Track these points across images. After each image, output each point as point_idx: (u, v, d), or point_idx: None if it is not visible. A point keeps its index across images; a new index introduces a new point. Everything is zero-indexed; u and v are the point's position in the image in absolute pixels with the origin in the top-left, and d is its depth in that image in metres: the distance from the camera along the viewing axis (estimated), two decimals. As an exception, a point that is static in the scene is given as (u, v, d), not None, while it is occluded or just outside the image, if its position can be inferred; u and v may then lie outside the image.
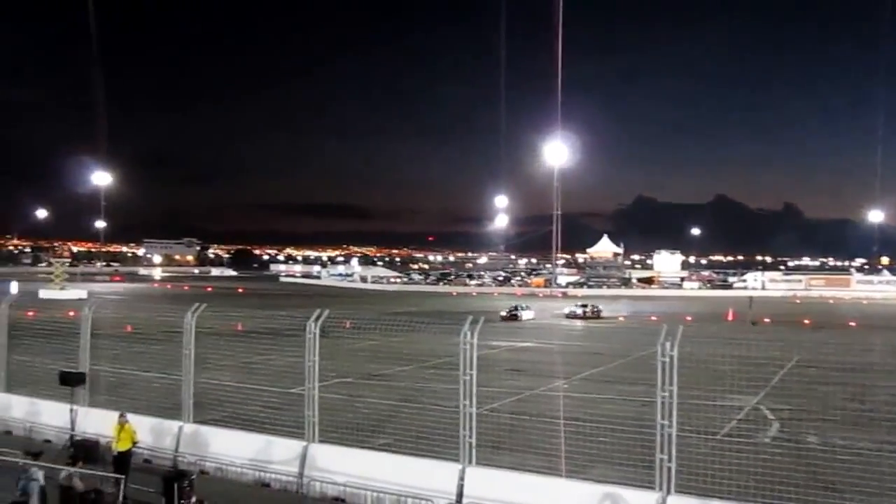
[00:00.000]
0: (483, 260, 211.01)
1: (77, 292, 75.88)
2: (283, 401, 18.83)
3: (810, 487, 13.18)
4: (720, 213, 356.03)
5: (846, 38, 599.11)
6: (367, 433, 17.50)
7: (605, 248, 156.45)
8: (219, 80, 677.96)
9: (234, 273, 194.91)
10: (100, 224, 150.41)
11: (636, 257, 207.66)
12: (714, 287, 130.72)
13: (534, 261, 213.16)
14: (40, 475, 12.96)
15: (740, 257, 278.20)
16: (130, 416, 15.77)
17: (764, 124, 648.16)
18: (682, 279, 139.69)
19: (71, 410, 17.74)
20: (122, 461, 15.01)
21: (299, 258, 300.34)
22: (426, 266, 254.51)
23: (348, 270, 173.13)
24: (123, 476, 13.72)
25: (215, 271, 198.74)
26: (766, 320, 58.21)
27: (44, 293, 76.65)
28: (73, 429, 17.63)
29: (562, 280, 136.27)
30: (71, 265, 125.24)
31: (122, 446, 15.24)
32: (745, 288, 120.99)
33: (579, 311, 66.37)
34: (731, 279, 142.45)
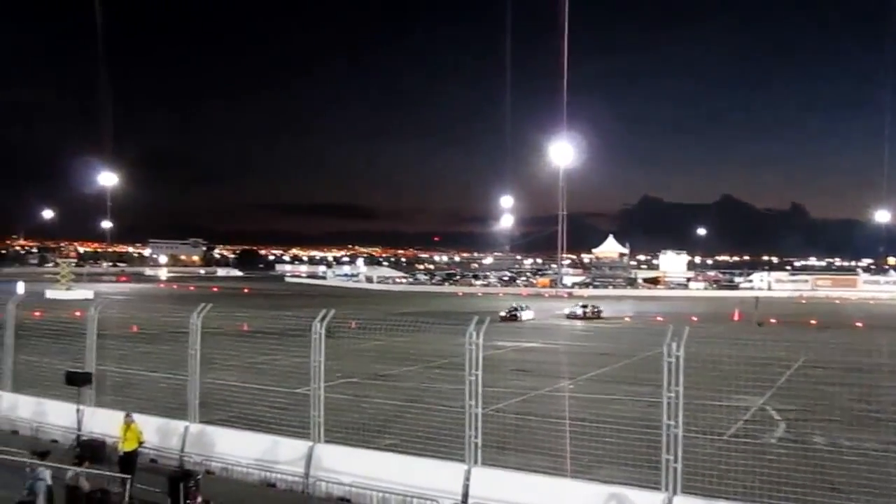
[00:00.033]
0: (488, 260, 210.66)
1: (83, 292, 76.05)
2: (289, 401, 18.85)
3: (817, 488, 13.13)
4: (726, 213, 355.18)
5: (854, 37, 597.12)
6: (372, 433, 17.52)
7: (610, 248, 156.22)
8: (225, 80, 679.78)
9: (239, 273, 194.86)
10: (106, 224, 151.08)
11: (642, 258, 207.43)
12: (720, 287, 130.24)
13: (539, 261, 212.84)
14: (48, 475, 13.00)
15: (746, 257, 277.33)
16: (136, 416, 15.81)
17: (770, 124, 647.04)
18: (688, 279, 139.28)
19: (77, 410, 17.81)
20: (129, 461, 15.03)
21: (305, 258, 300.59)
22: (432, 266, 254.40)
23: (354, 271, 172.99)
24: (129, 476, 13.76)
25: (221, 272, 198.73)
26: (773, 321, 58.04)
27: (50, 293, 76.92)
28: (79, 429, 17.70)
29: (567, 280, 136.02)
30: (77, 265, 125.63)
31: (129, 446, 15.26)
32: (751, 288, 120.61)
33: (579, 311, 66.31)
34: (737, 279, 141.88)
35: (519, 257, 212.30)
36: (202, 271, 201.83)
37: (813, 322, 58.29)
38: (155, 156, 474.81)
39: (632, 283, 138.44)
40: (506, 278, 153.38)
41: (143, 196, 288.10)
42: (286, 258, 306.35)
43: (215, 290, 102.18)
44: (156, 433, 17.11)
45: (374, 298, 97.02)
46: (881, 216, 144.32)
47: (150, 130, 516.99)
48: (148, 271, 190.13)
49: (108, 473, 14.08)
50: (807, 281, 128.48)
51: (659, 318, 59.84)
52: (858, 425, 19.99)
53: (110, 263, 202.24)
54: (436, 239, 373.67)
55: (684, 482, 12.58)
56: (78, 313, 25.14)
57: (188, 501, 13.13)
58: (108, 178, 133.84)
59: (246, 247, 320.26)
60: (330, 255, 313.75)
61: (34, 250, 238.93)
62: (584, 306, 67.75)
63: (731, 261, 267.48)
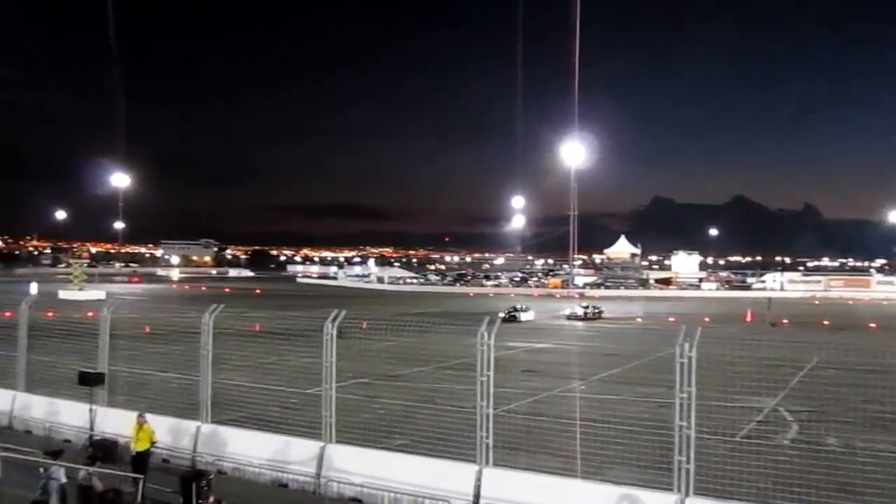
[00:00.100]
0: (500, 261, 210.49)
1: (95, 293, 76.38)
2: (300, 401, 18.90)
3: (830, 490, 13.06)
4: (738, 213, 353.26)
5: (869, 36, 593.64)
6: (383, 434, 17.51)
7: (622, 248, 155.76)
8: (236, 82, 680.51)
9: (251, 274, 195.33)
10: (118, 225, 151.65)
11: (654, 258, 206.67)
12: (732, 288, 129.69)
13: (550, 261, 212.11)
14: (62, 474, 13.06)
15: (759, 258, 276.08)
16: (149, 416, 15.89)
17: (782, 124, 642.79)
18: (700, 280, 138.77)
19: (90, 410, 17.91)
20: (141, 461, 15.10)
21: (316, 259, 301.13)
22: (443, 267, 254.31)
23: (365, 271, 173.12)
24: (142, 476, 13.82)
25: (233, 272, 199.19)
26: (785, 321, 57.80)
27: (63, 294, 77.37)
28: (92, 428, 17.80)
29: (579, 281, 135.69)
30: (89, 266, 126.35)
31: (141, 446, 15.33)
32: (763, 289, 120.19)
33: (580, 311, 66.13)
34: (749, 280, 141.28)
35: (530, 258, 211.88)
36: (214, 272, 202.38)
37: (826, 323, 57.98)
38: (167, 157, 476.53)
39: (643, 283, 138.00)
40: (517, 279, 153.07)
41: (154, 197, 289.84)
42: (297, 259, 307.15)
43: (227, 290, 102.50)
44: (168, 433, 17.18)
45: (385, 299, 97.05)
46: (895, 216, 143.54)
47: (162, 131, 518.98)
48: (160, 272, 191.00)
49: (120, 473, 14.14)
50: (820, 281, 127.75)
51: (671, 319, 59.62)
52: (872, 427, 19.87)
53: (122, 264, 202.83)
54: (446, 239, 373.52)
55: (696, 483, 12.54)
56: (90, 314, 25.30)
57: (200, 501, 13.18)
58: (120, 180, 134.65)
59: (257, 247, 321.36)
60: (341, 256, 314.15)
61: (47, 251, 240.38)
62: (585, 307, 67.57)
63: (743, 261, 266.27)
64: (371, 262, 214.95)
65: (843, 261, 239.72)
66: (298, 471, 15.67)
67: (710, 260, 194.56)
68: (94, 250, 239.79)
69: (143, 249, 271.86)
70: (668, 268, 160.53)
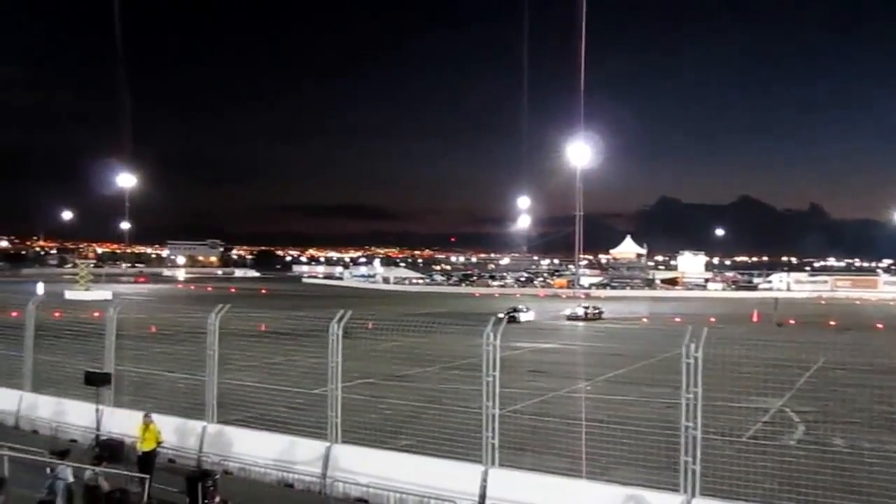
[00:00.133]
0: (505, 261, 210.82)
1: (102, 293, 76.57)
2: (306, 401, 18.90)
3: (836, 491, 13.02)
4: (745, 213, 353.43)
5: (876, 36, 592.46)
6: (389, 434, 17.52)
7: (628, 249, 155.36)
8: (242, 82, 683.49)
9: (257, 274, 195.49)
10: (124, 225, 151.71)
11: (660, 258, 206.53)
12: (739, 288, 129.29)
13: (556, 262, 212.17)
14: (68, 474, 13.08)
15: (765, 258, 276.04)
16: (155, 416, 15.90)
17: (789, 124, 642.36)
18: (707, 280, 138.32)
19: (96, 410, 17.92)
20: (147, 461, 15.12)
21: (322, 259, 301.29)
22: (448, 267, 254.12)
23: (370, 271, 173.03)
24: (148, 476, 13.86)
25: (238, 272, 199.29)
26: (792, 322, 57.58)
27: (69, 294, 77.44)
28: (98, 428, 17.81)
29: (585, 281, 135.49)
30: (96, 266, 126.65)
31: (147, 446, 15.36)
32: (770, 289, 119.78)
33: (581, 312, 65.94)
34: (755, 280, 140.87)
35: (536, 258, 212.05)
36: (220, 272, 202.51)
37: (832, 323, 57.79)
38: (173, 157, 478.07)
39: (649, 283, 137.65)
40: (523, 279, 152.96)
41: (160, 197, 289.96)
42: (303, 259, 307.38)
43: (233, 290, 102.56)
44: (174, 433, 17.20)
45: (390, 299, 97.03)
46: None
47: (168, 132, 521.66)
48: (166, 272, 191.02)
49: (126, 473, 14.17)
50: (826, 282, 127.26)
51: (677, 319, 59.45)
52: (879, 427, 19.79)
53: (128, 264, 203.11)
54: (452, 239, 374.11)
55: (703, 484, 12.51)
56: (97, 314, 25.34)
57: (206, 501, 13.20)
58: (126, 180, 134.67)
59: (263, 248, 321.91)
60: (347, 256, 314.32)
61: (54, 251, 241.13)
62: (586, 307, 67.39)
63: (749, 261, 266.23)
64: (377, 262, 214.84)
65: (850, 261, 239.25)
66: (304, 471, 15.68)
67: (716, 260, 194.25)
68: (100, 250, 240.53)
69: (149, 250, 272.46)
70: (674, 268, 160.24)
